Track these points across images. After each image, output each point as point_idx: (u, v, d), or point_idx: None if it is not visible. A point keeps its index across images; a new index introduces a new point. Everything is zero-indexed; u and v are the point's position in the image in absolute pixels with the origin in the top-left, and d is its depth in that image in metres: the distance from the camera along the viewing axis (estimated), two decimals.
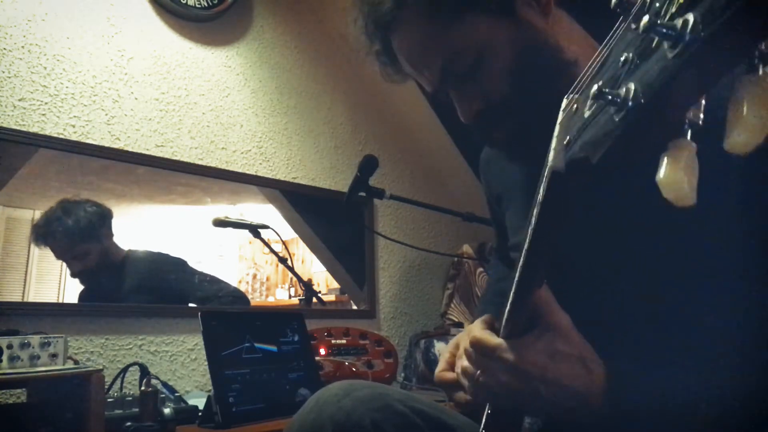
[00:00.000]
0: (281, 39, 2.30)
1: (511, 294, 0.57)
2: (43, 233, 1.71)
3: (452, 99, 0.76)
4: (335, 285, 2.38)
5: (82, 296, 1.76)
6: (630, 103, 0.30)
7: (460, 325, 2.29)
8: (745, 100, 0.28)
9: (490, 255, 2.38)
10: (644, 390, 0.57)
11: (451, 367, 0.76)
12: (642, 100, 0.29)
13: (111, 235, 1.83)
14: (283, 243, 2.08)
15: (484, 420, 0.71)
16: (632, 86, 0.30)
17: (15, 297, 1.63)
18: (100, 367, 1.32)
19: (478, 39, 0.69)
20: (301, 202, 2.27)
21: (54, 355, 1.27)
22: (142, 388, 1.41)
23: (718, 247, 0.58)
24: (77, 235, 1.77)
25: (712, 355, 0.56)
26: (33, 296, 1.67)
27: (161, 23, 1.97)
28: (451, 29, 0.70)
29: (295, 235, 2.29)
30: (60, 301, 1.72)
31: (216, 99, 2.08)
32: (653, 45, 0.29)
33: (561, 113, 0.41)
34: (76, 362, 1.33)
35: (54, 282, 1.72)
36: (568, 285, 0.61)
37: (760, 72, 0.28)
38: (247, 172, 2.11)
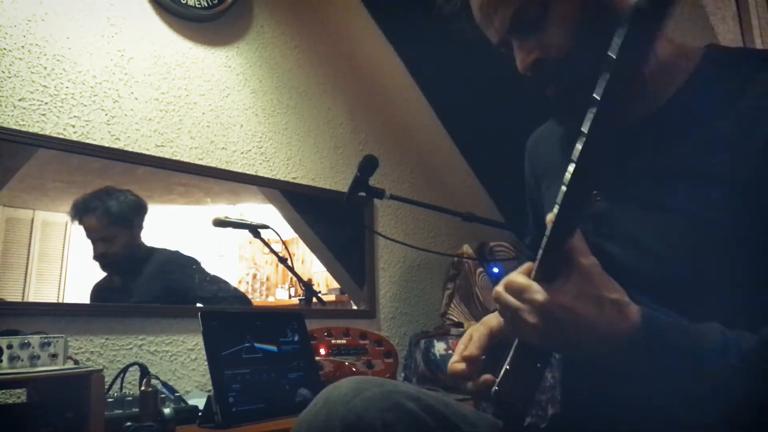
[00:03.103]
0: (281, 39, 2.30)
1: (545, 239, 0.58)
2: (83, 208, 1.76)
3: (513, 48, 0.78)
4: (335, 285, 2.38)
5: (98, 286, 1.78)
6: None
7: (460, 325, 2.29)
8: None
9: (491, 255, 2.38)
10: (679, 338, 0.57)
11: (464, 359, 0.77)
12: None
13: (141, 227, 1.87)
14: (283, 243, 2.08)
15: (500, 378, 0.71)
16: None
17: (15, 297, 1.63)
18: (100, 367, 1.32)
19: None
20: (301, 202, 2.27)
21: (54, 355, 1.27)
22: (142, 388, 1.41)
23: (733, 234, 0.60)
24: (113, 215, 1.82)
25: (751, 314, 0.57)
26: (33, 296, 1.66)
27: (161, 23, 1.97)
28: None
29: (295, 235, 2.29)
30: (60, 301, 1.72)
31: (216, 99, 2.08)
32: None
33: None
34: (76, 362, 1.33)
35: (54, 282, 1.72)
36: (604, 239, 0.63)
37: None
38: (247, 172, 2.11)
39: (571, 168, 0.51)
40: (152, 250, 1.91)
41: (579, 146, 0.49)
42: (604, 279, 0.60)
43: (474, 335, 0.80)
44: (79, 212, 1.76)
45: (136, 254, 1.88)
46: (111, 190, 1.82)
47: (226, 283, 2.06)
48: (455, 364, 0.78)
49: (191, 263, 1.99)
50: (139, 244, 1.88)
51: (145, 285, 1.88)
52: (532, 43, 0.75)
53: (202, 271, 2.00)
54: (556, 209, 0.55)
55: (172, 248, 1.96)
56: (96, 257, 1.78)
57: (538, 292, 0.60)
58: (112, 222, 1.82)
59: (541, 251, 0.60)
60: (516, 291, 0.63)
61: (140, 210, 1.87)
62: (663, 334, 0.57)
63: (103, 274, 1.80)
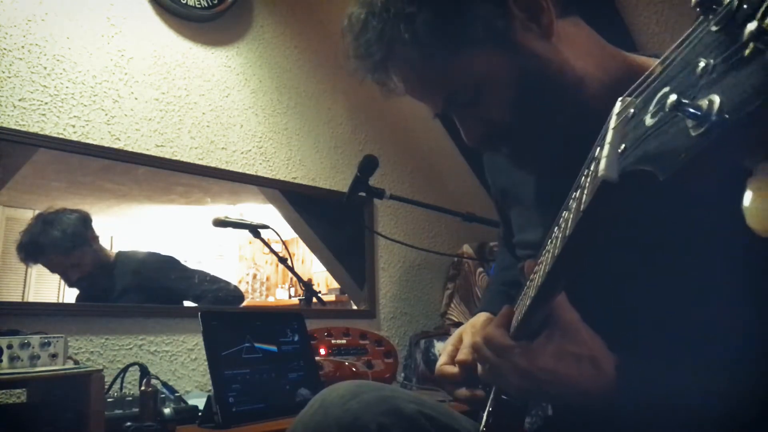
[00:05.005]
0: (281, 39, 2.30)
1: (529, 299, 0.57)
2: (33, 251, 1.69)
3: (456, 121, 0.75)
4: (335, 285, 2.38)
5: (80, 300, 1.76)
6: (713, 118, 0.26)
7: (460, 325, 2.28)
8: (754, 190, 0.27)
9: (491, 255, 2.38)
10: (653, 385, 0.58)
11: (453, 361, 0.76)
12: (727, 116, 0.26)
13: (97, 237, 1.83)
14: (283, 243, 2.08)
15: (484, 420, 0.71)
16: (716, 99, 0.26)
17: (15, 297, 1.63)
18: (100, 367, 1.32)
19: (477, 72, 0.68)
20: (301, 202, 2.27)
21: (54, 355, 1.27)
22: (142, 388, 1.41)
23: (730, 252, 0.58)
24: (68, 242, 1.76)
25: (721, 356, 0.56)
26: (33, 296, 1.67)
27: (161, 23, 1.97)
28: (448, 67, 0.69)
29: (295, 235, 2.29)
30: (60, 301, 1.72)
31: (216, 99, 2.08)
32: (747, 53, 0.25)
33: (614, 117, 0.38)
34: (76, 362, 1.33)
35: (54, 282, 1.72)
36: (580, 282, 0.62)
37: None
38: (247, 172, 2.11)
39: (560, 234, 0.47)
40: (119, 254, 1.88)
41: (568, 227, 0.44)
42: (583, 335, 0.60)
43: (465, 338, 0.79)
44: (32, 254, 1.69)
45: (106, 263, 1.85)
46: (47, 218, 1.73)
47: (213, 278, 2.03)
48: (446, 366, 0.77)
49: (168, 261, 1.96)
50: (104, 254, 1.85)
51: (123, 289, 1.85)
52: (472, 117, 0.72)
53: (184, 268, 1.98)
54: (542, 269, 0.52)
55: (172, 249, 1.96)
56: (74, 284, 1.75)
57: (521, 356, 0.59)
58: (72, 247, 1.77)
59: (525, 309, 0.59)
60: (497, 349, 0.62)
61: (87, 221, 1.80)
62: (636, 389, 0.58)
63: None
